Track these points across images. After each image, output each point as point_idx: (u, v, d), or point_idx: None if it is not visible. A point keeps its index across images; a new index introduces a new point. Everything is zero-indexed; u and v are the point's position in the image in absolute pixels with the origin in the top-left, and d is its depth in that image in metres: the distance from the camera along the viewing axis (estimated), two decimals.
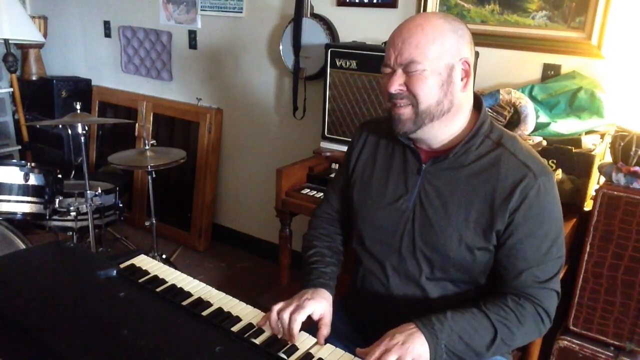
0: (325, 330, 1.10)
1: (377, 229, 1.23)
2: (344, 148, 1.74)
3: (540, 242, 1.10)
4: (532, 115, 1.78)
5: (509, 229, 1.10)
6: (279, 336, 1.06)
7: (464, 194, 1.13)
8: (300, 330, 1.07)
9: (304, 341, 1.06)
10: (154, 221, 2.63)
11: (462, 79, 1.12)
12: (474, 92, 1.19)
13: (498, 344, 1.07)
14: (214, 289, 1.22)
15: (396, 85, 1.10)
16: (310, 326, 1.11)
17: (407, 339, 1.00)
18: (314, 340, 1.07)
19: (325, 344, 1.06)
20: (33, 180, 2.34)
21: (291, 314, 1.07)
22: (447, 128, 1.15)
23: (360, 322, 1.32)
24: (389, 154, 1.25)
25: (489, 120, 1.18)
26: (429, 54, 1.07)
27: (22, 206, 2.34)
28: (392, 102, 1.13)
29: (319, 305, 1.13)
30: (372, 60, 2.13)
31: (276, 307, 1.10)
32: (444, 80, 1.09)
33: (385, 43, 2.18)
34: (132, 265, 1.30)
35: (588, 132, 1.84)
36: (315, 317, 1.12)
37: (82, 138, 2.36)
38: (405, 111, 1.12)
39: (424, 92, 1.09)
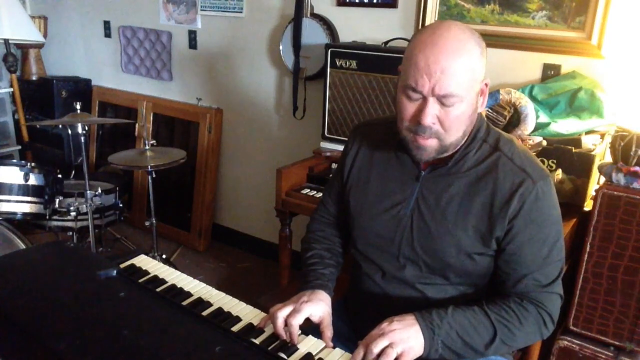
0: (328, 332, 1.10)
1: (375, 236, 1.22)
2: None
3: (540, 247, 1.10)
4: (532, 115, 1.78)
5: (508, 235, 1.09)
6: (287, 340, 1.06)
7: (462, 201, 1.11)
8: (300, 333, 1.07)
9: (304, 341, 1.06)
10: (154, 221, 2.63)
11: (480, 97, 1.09)
12: None
13: (497, 343, 1.07)
14: (214, 289, 1.22)
15: (431, 117, 1.03)
16: (309, 327, 1.11)
17: (404, 327, 1.01)
18: (314, 340, 1.07)
19: (334, 347, 1.06)
20: (33, 180, 2.34)
21: (287, 319, 1.07)
22: None
23: (360, 323, 1.32)
24: (386, 160, 1.23)
25: (485, 123, 1.16)
26: (466, 85, 1.01)
27: (22, 206, 2.34)
28: (417, 133, 1.06)
29: (317, 307, 1.12)
30: (372, 60, 2.13)
31: (274, 309, 1.10)
32: (474, 109, 1.07)
33: (386, 43, 2.22)
34: (132, 265, 1.30)
35: (588, 132, 1.84)
36: (315, 319, 1.11)
37: (82, 138, 2.36)
38: (432, 144, 1.07)
39: (457, 127, 1.05)
